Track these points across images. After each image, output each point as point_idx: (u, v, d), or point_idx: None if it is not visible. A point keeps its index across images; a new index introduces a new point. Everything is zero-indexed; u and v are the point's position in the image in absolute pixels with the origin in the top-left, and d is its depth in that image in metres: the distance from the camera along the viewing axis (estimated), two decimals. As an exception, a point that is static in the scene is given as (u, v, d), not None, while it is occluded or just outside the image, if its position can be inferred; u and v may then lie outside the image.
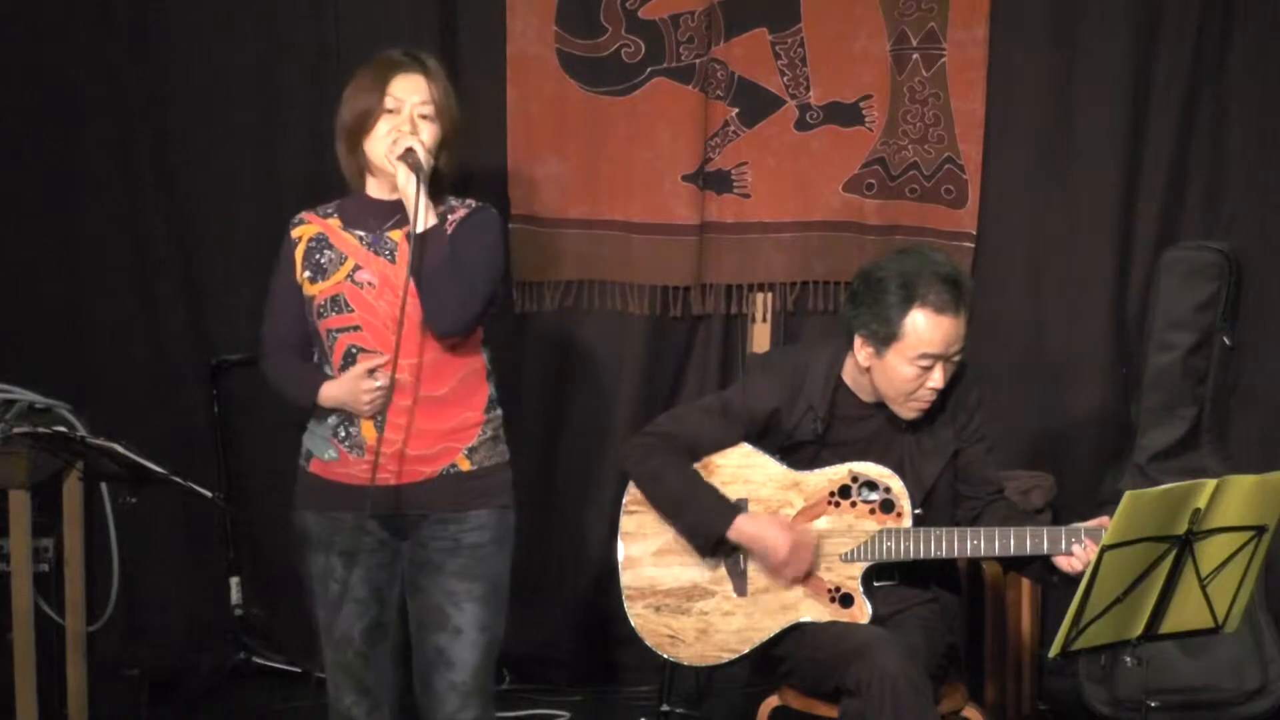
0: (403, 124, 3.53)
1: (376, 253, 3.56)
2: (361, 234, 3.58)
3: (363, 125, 3.55)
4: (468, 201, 3.65)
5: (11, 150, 5.25)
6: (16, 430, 4.33)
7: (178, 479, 4.02)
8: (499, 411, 3.68)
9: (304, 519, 3.69)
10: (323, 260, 3.59)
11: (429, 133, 3.55)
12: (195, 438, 5.31)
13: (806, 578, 3.86)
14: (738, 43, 5.15)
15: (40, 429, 4.23)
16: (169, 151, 5.27)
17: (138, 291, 5.32)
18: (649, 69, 5.16)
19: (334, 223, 3.63)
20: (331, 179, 5.18)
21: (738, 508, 3.87)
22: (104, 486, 4.78)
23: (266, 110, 5.27)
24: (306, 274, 3.60)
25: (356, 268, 3.56)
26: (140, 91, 5.26)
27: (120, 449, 3.99)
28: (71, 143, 5.27)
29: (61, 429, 4.25)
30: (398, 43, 5.05)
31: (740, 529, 3.84)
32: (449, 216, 3.58)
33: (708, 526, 3.86)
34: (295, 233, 3.66)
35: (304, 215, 3.68)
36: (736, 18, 5.14)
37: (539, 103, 5.16)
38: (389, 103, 3.54)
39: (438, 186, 3.60)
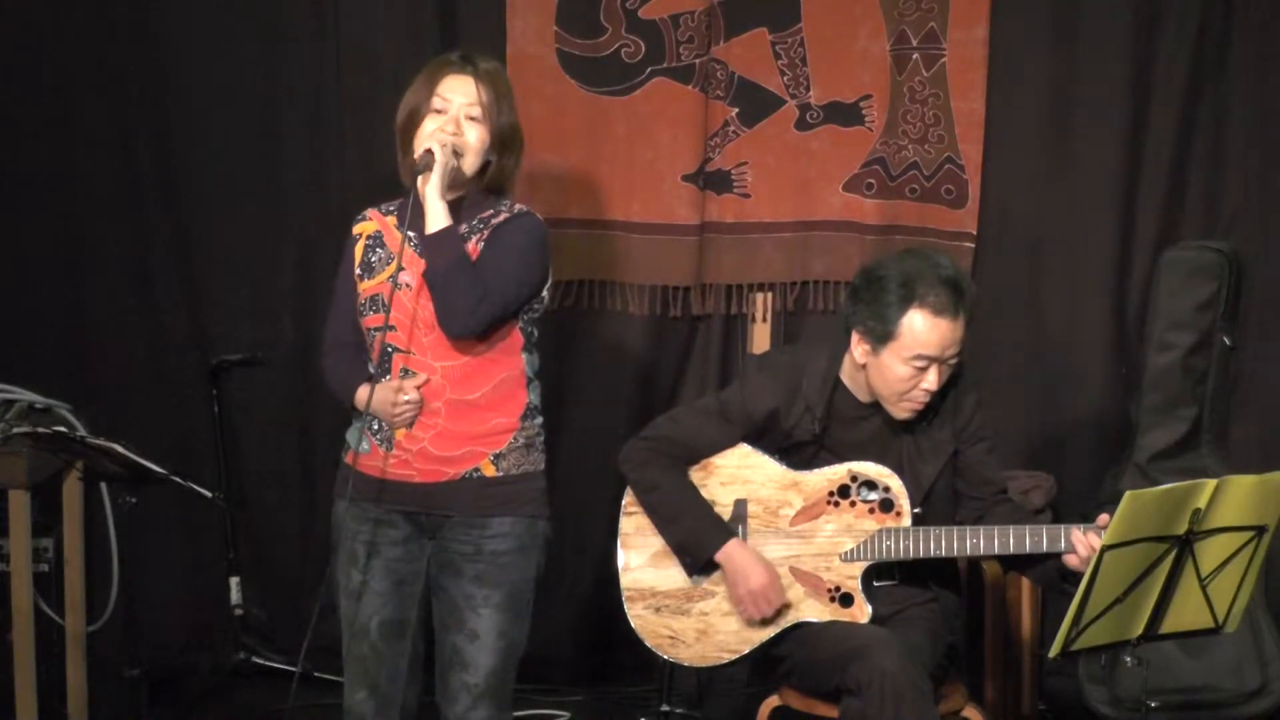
0: (446, 124, 3.52)
1: (421, 255, 3.55)
2: (412, 235, 3.58)
3: (412, 124, 3.55)
4: (515, 207, 3.63)
5: (11, 150, 5.26)
6: (16, 430, 4.34)
7: (178, 479, 4.03)
8: (538, 420, 3.67)
9: (337, 509, 3.68)
10: (374, 259, 3.61)
11: (475, 134, 3.53)
12: (195, 438, 5.31)
13: (761, 623, 3.86)
14: (738, 43, 5.15)
15: (40, 429, 4.24)
16: (169, 152, 5.28)
17: (138, 291, 5.33)
18: (649, 69, 5.16)
19: (392, 221, 3.64)
20: (332, 179, 5.24)
21: (731, 531, 3.87)
22: (104, 486, 4.77)
23: (266, 110, 5.27)
24: (359, 271, 3.62)
25: (400, 269, 3.55)
26: (140, 91, 5.26)
27: (120, 449, 3.99)
28: (71, 143, 5.27)
29: (61, 429, 4.25)
30: (398, 43, 5.11)
31: (728, 554, 3.85)
32: (492, 220, 3.58)
33: (696, 548, 3.87)
34: (356, 229, 3.67)
35: (368, 212, 3.69)
36: (736, 18, 5.14)
37: (539, 103, 5.16)
38: (436, 102, 3.54)
39: (494, 189, 3.60)
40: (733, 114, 5.17)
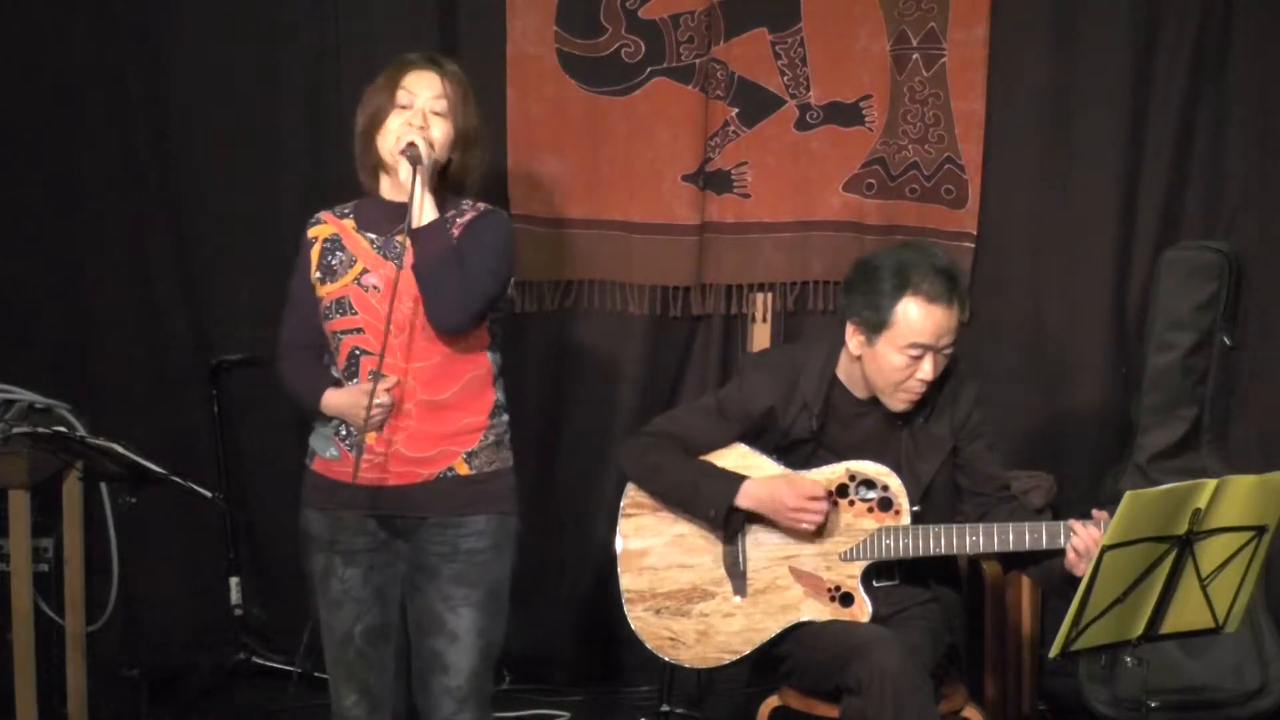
0: (413, 118, 3.52)
1: (385, 256, 3.56)
2: (373, 237, 3.59)
3: (375, 122, 3.56)
4: (478, 205, 3.65)
5: (11, 150, 5.26)
6: (16, 430, 4.34)
7: (178, 479, 4.03)
8: (505, 417, 3.67)
9: (307, 518, 3.68)
10: (334, 262, 3.60)
11: (440, 129, 3.54)
12: (195, 438, 5.31)
13: (819, 533, 3.85)
14: (738, 43, 5.15)
15: (40, 429, 4.24)
16: (169, 152, 5.28)
17: (138, 291, 5.33)
18: (649, 69, 5.16)
19: (349, 224, 3.63)
20: (331, 179, 5.23)
21: (740, 476, 3.87)
22: (104, 486, 4.78)
23: (266, 110, 5.27)
24: (318, 275, 3.61)
25: (364, 271, 3.56)
26: (140, 91, 5.26)
27: (120, 449, 3.99)
28: (71, 143, 5.27)
29: (61, 429, 4.25)
30: (398, 43, 5.10)
31: (749, 493, 3.84)
32: (458, 219, 3.58)
33: (717, 500, 3.86)
34: (311, 233, 3.66)
35: (321, 215, 3.69)
36: (736, 18, 5.14)
37: (539, 103, 5.16)
38: (401, 97, 3.55)
39: (454, 187, 3.60)
40: (733, 114, 5.17)
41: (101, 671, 4.82)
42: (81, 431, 4.34)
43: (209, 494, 4.21)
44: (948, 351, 3.81)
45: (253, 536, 5.38)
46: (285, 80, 5.27)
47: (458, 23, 5.19)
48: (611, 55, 5.17)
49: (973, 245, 5.15)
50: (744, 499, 3.85)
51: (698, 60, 5.14)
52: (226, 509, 5.19)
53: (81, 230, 5.30)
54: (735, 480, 3.86)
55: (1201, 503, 3.37)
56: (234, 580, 5.28)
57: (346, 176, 5.12)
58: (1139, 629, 3.50)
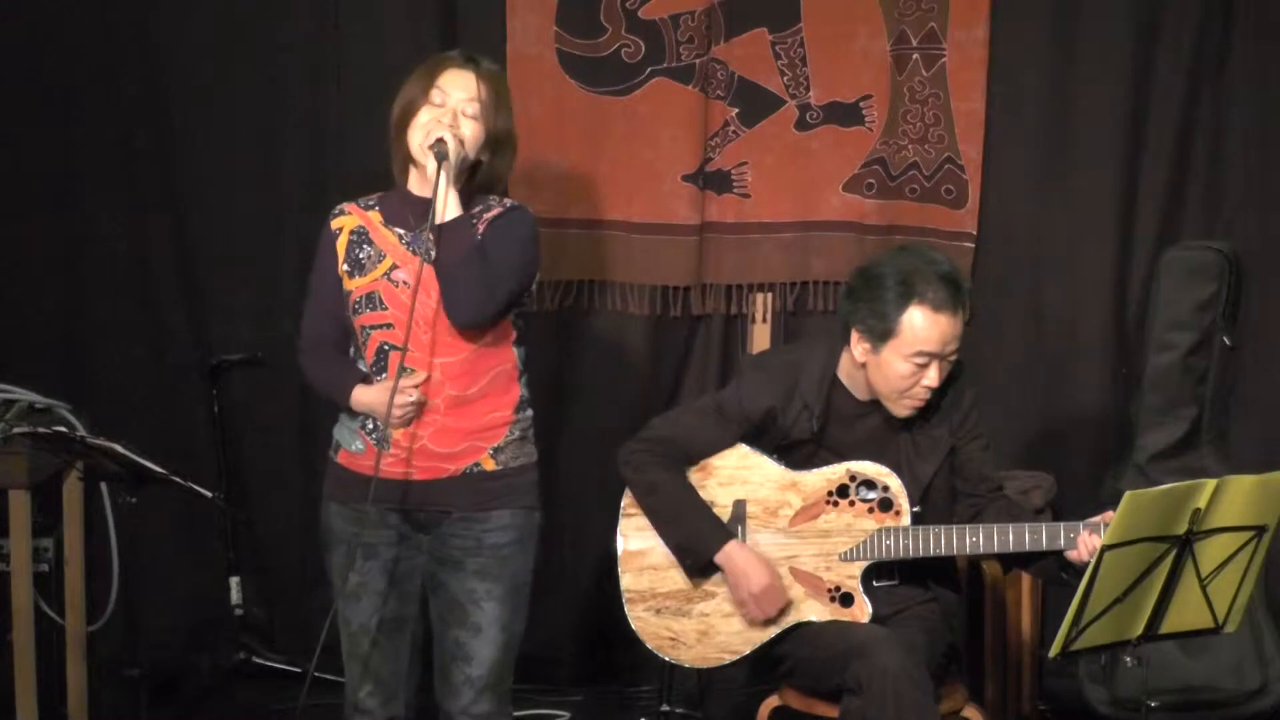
0: (443, 115, 3.52)
1: (413, 252, 3.54)
2: (401, 232, 3.57)
3: (407, 115, 3.54)
4: (505, 201, 3.64)
5: (11, 150, 5.26)
6: (16, 430, 4.33)
7: (178, 479, 4.02)
8: (529, 412, 3.68)
9: (328, 511, 3.67)
10: (362, 256, 3.58)
11: (471, 130, 3.53)
12: (195, 438, 5.31)
13: (765, 623, 3.86)
14: (738, 43, 5.15)
15: (40, 429, 4.23)
16: (169, 152, 5.27)
17: (138, 291, 5.33)
18: (649, 69, 5.16)
19: (375, 217, 3.61)
20: (331, 179, 5.23)
21: (730, 533, 3.87)
22: (104, 486, 4.77)
23: (266, 110, 5.27)
24: (345, 268, 3.59)
25: (394, 266, 3.55)
26: (140, 91, 5.26)
27: (120, 449, 3.99)
28: (71, 143, 5.27)
29: (61, 429, 4.25)
30: (398, 43, 5.11)
31: (729, 555, 3.85)
32: (484, 214, 3.58)
33: (698, 548, 3.87)
34: (336, 224, 3.63)
35: (345, 206, 3.66)
36: (736, 18, 5.14)
37: (539, 103, 5.16)
38: (435, 95, 3.53)
39: (483, 189, 3.60)
40: (733, 114, 5.17)
41: (101, 671, 4.81)
42: (81, 431, 4.34)
43: (209, 494, 4.20)
44: (953, 358, 3.80)
45: (253, 536, 5.38)
46: (285, 80, 5.27)
47: (458, 23, 5.20)
48: (611, 55, 5.17)
49: (973, 245, 5.15)
50: (723, 557, 3.85)
51: (698, 60, 5.14)
52: (226, 509, 5.19)
53: (81, 230, 5.30)
54: (721, 536, 3.86)
55: (1201, 503, 3.37)
56: (234, 580, 5.27)
57: (347, 176, 5.17)
58: (1139, 629, 3.50)
